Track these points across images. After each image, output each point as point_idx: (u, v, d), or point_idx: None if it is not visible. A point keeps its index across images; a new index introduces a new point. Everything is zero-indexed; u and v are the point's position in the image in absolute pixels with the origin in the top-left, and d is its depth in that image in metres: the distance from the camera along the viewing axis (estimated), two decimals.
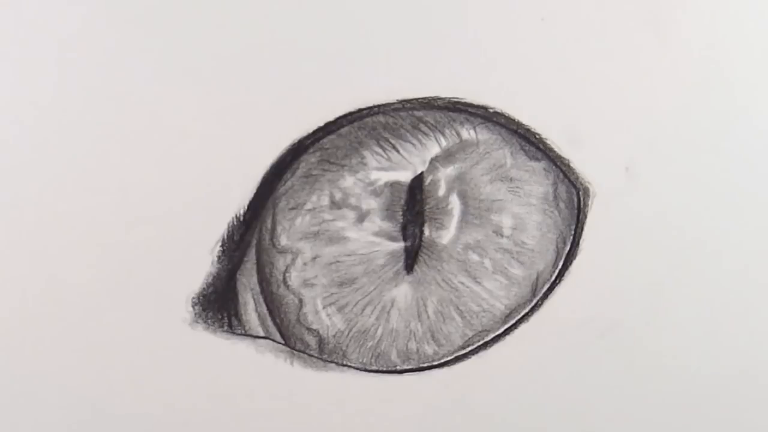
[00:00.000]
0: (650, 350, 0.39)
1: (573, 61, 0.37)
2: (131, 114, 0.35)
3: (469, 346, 0.38)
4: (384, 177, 0.37)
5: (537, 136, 0.37)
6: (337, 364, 0.38)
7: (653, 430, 0.40)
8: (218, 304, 0.37)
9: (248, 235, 0.37)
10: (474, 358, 0.38)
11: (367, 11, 0.36)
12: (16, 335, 0.37)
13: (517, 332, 0.38)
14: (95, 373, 0.37)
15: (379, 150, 0.37)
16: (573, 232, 0.38)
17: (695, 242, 0.38)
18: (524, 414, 0.39)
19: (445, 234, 0.38)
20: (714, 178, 0.38)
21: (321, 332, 0.38)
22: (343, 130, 0.37)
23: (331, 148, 0.37)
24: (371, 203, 0.37)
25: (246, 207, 0.36)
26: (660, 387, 0.39)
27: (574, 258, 0.38)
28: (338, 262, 0.37)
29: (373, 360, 0.38)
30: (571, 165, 0.37)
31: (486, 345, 0.38)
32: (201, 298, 0.37)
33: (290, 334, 0.38)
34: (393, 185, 0.37)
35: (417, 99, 0.36)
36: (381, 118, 0.37)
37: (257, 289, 0.38)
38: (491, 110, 0.37)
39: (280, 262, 0.37)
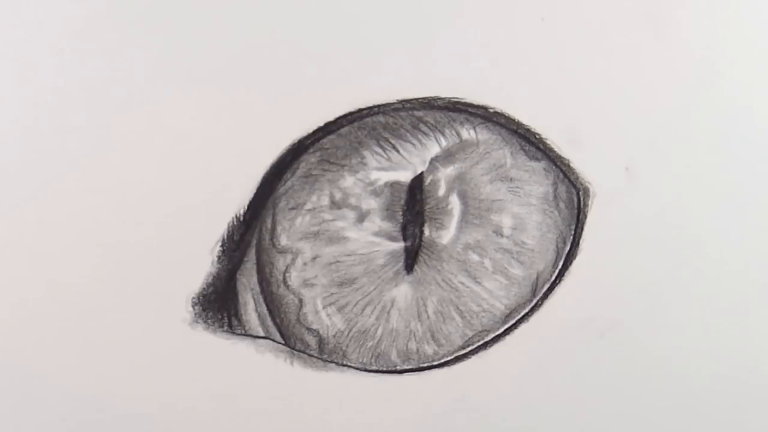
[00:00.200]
0: (650, 350, 0.39)
1: (573, 61, 0.37)
2: (131, 114, 0.35)
3: (469, 346, 0.38)
4: (384, 177, 0.37)
5: (537, 136, 0.37)
6: (337, 364, 0.38)
7: (653, 430, 0.40)
8: (218, 304, 0.37)
9: (248, 235, 0.37)
10: (474, 358, 0.38)
11: (367, 11, 0.36)
12: (16, 335, 0.37)
13: (517, 332, 0.38)
14: (95, 373, 0.37)
15: (379, 150, 0.37)
16: (573, 232, 0.38)
17: (695, 242, 0.38)
18: (524, 414, 0.39)
19: (445, 234, 0.38)
20: (713, 178, 0.38)
21: (321, 332, 0.38)
22: (343, 130, 0.37)
23: (331, 148, 0.37)
24: (371, 203, 0.37)
25: (246, 207, 0.36)
26: (660, 387, 0.39)
27: (574, 258, 0.38)
28: (338, 262, 0.37)
29: (373, 360, 0.38)
30: (571, 165, 0.37)
31: (486, 345, 0.38)
32: (201, 298, 0.37)
33: (290, 334, 0.38)
34: (393, 185, 0.37)
35: (417, 99, 0.36)
36: (381, 118, 0.37)
37: (257, 289, 0.38)
38: (491, 110, 0.37)
39: (280, 262, 0.37)
